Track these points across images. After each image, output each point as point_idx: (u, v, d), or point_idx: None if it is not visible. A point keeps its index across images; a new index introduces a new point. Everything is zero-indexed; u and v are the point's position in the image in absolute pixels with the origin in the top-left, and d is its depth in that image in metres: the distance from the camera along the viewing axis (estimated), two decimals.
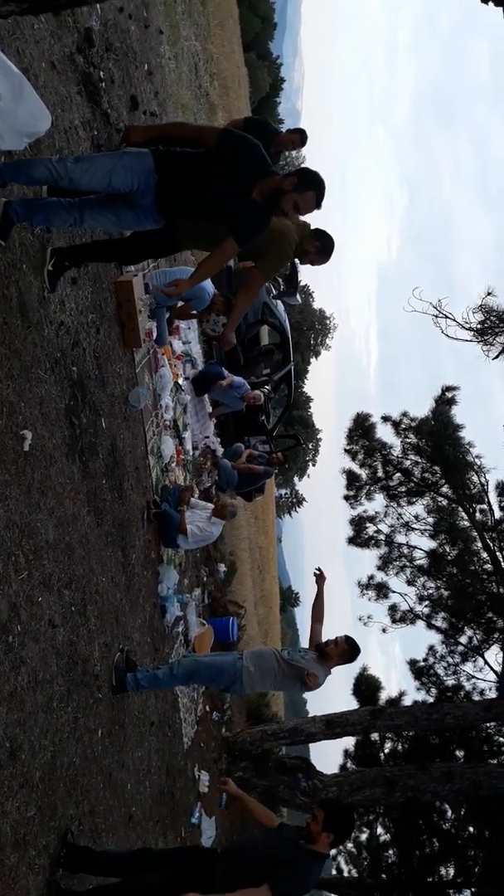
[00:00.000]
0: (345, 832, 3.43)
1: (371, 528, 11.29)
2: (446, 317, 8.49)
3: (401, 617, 10.84)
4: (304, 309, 51.15)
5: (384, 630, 11.00)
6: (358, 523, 11.35)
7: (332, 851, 13.21)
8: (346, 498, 11.33)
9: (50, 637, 3.26)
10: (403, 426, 10.80)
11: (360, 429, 11.11)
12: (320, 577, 5.13)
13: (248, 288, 4.19)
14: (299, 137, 5.89)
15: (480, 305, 8.27)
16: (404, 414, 10.86)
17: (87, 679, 3.75)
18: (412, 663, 10.57)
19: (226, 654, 5.04)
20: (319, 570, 5.17)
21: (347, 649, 4.76)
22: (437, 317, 8.51)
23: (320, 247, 4.37)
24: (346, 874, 12.72)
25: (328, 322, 57.53)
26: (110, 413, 4.72)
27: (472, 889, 9.89)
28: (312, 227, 4.53)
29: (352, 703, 11.01)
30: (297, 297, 12.89)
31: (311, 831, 3.33)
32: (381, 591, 11.02)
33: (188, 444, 7.95)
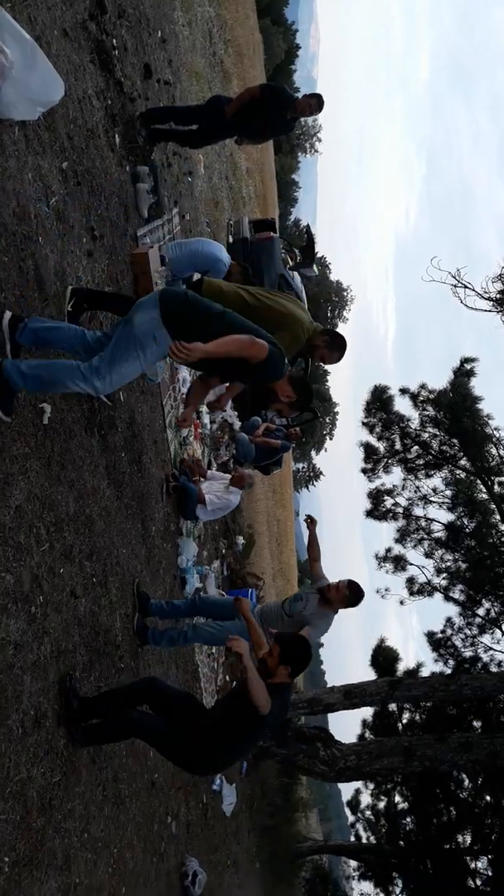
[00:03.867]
0: (301, 663, 3.44)
1: (389, 501, 11.30)
2: (465, 286, 8.40)
3: (418, 589, 10.88)
4: (321, 281, 50.66)
5: (402, 602, 11.06)
6: (376, 496, 11.36)
7: (351, 818, 13.47)
8: (364, 471, 11.32)
9: (72, 608, 3.30)
10: (421, 398, 10.74)
11: (378, 401, 11.06)
12: (311, 523, 5.06)
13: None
14: (316, 103, 5.80)
15: (500, 275, 8.16)
16: (422, 386, 10.80)
17: (109, 649, 3.80)
18: (430, 635, 10.62)
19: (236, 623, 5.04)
20: (309, 517, 5.12)
21: (349, 595, 4.67)
22: (455, 286, 8.42)
23: (330, 342, 4.57)
24: (364, 841, 12.96)
25: (345, 294, 57.01)
26: (128, 386, 4.72)
27: (489, 856, 10.02)
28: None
29: (370, 674, 11.12)
30: (314, 268, 12.76)
31: (268, 666, 3.38)
32: (399, 563, 11.05)
33: (206, 417, 7.95)
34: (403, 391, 10.90)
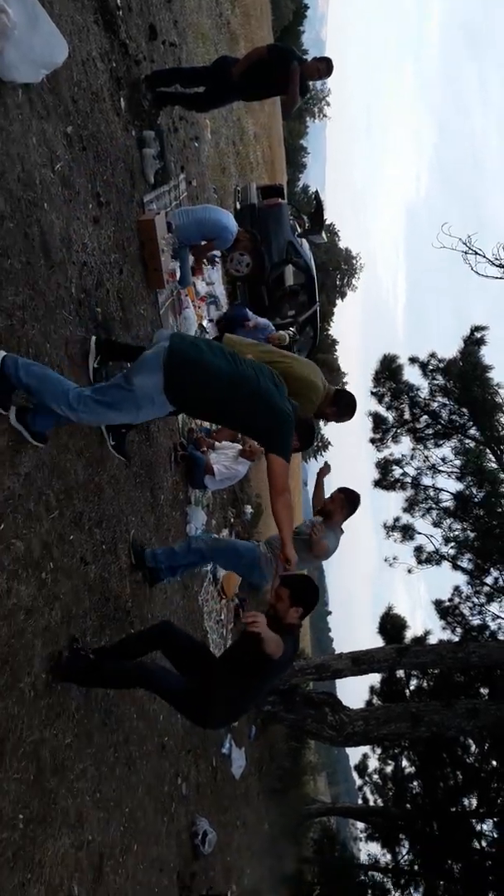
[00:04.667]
0: (311, 602, 3.43)
1: (397, 471, 11.27)
2: (476, 253, 8.26)
3: (426, 558, 10.91)
4: (330, 248, 50.07)
5: (409, 571, 11.09)
6: (384, 466, 11.34)
7: (359, 781, 13.70)
8: (373, 441, 11.29)
9: (82, 574, 3.34)
10: (431, 367, 10.66)
11: (387, 371, 10.99)
12: (324, 470, 5.01)
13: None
14: (325, 66, 5.69)
15: None
16: (432, 355, 10.70)
17: (119, 614, 3.85)
18: (437, 603, 10.68)
19: (245, 542, 5.05)
20: (326, 463, 5.09)
21: (344, 498, 4.68)
22: (466, 253, 8.29)
23: (339, 411, 4.80)
24: (371, 803, 13.21)
25: (355, 262, 56.32)
26: None
27: (495, 819, 10.20)
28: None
29: (377, 641, 11.21)
30: (323, 235, 12.63)
31: (278, 611, 3.37)
32: (407, 532, 11.06)
33: None
34: (413, 360, 10.82)
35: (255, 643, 3.09)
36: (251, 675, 3.31)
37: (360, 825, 13.47)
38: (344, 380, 57.24)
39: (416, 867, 11.04)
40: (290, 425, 3.24)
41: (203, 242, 6.29)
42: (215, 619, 7.06)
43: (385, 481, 11.32)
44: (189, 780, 5.28)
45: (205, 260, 6.93)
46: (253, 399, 3.11)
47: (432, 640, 10.63)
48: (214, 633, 6.95)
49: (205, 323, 7.55)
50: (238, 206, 11.40)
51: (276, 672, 3.42)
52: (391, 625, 11.49)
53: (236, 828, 7.18)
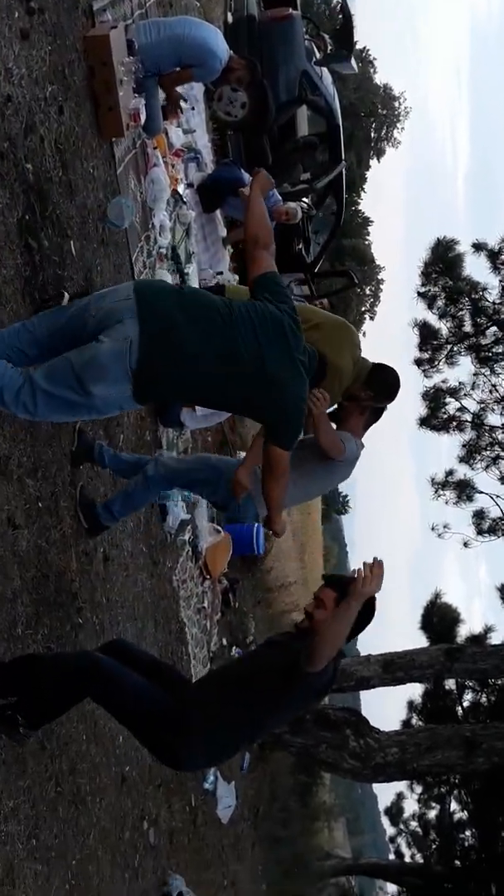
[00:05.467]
0: (364, 618, 3.43)
1: (453, 405, 11.31)
2: None
3: (490, 527, 11.03)
4: (362, 83, 49.05)
5: (466, 544, 11.25)
6: (434, 398, 11.37)
7: (390, 830, 14.12)
8: (419, 362, 11.29)
9: (10, 541, 3.37)
10: None
11: (441, 262, 10.91)
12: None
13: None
14: None
15: None
16: None
17: (63, 598, 3.91)
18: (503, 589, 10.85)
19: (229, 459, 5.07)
20: None
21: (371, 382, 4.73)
22: None
23: (375, 395, 4.74)
24: (407, 859, 13.65)
25: (397, 105, 55.33)
26: (82, 234, 4.66)
27: None
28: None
29: (419, 641, 11.40)
30: (353, 63, 12.36)
31: (316, 621, 3.38)
32: (464, 491, 11.17)
33: (194, 282, 7.88)
34: (478, 247, 10.72)
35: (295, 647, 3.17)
36: (272, 693, 3.33)
37: (392, 888, 13.95)
38: (379, 276, 56.96)
39: None
40: (300, 416, 3.51)
41: (178, 69, 6.15)
42: (195, 606, 7.18)
43: (435, 419, 11.36)
44: (159, 824, 5.44)
45: (181, 96, 6.78)
46: (257, 388, 3.32)
47: (495, 639, 10.83)
48: (194, 626, 7.07)
49: (181, 188, 7.45)
50: (230, 19, 11.12)
51: (304, 698, 3.45)
52: (439, 618, 11.68)
53: (222, 889, 7.43)
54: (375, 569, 3.17)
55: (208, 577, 7.66)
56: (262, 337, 3.25)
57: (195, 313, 3.19)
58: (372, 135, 53.68)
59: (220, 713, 3.39)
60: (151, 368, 3.08)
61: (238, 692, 3.41)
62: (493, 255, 10.63)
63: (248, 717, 3.45)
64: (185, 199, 7.59)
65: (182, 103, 7.17)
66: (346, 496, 66.23)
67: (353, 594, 3.15)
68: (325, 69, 11.16)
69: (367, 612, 3.39)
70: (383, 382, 4.76)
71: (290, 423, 3.47)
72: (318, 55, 11.32)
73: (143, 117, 5.73)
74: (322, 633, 3.15)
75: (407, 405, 11.30)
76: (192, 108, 8.47)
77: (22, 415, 3.17)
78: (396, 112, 55.18)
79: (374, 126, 53.52)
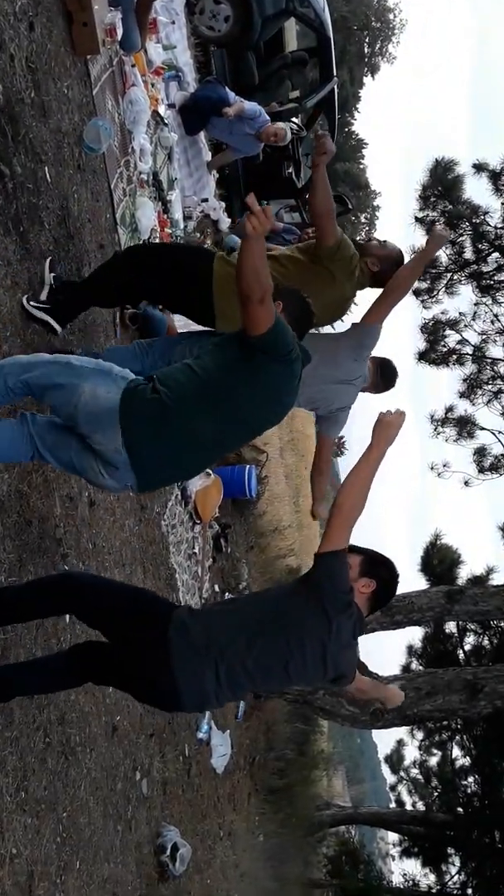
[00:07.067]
0: (388, 576, 3.48)
1: (452, 338, 11.27)
2: None
3: (492, 465, 11.07)
4: None
5: (467, 483, 11.28)
6: (433, 330, 11.32)
7: (391, 778, 14.37)
8: (417, 293, 11.21)
9: None
10: None
11: (440, 184, 10.78)
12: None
13: None
14: None
15: None
16: None
17: (47, 544, 3.94)
18: None
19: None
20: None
21: (377, 368, 5.00)
22: None
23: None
24: (408, 807, 13.90)
25: (392, 18, 54.41)
26: (57, 159, 4.62)
27: None
28: None
29: (419, 583, 11.48)
30: None
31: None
32: (465, 427, 11.18)
33: (177, 210, 7.80)
34: (479, 168, 10.58)
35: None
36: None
37: (393, 837, 14.19)
38: (375, 202, 56.42)
39: (469, 892, 11.68)
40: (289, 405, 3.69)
41: None
42: (185, 551, 7.23)
43: (434, 353, 11.33)
44: (151, 775, 5.55)
45: (156, 9, 6.65)
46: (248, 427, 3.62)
47: (497, 579, 10.92)
48: (185, 573, 7.13)
49: (162, 109, 7.34)
50: None
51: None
52: (439, 560, 11.74)
53: (219, 840, 7.60)
54: (396, 416, 3.31)
55: (199, 521, 7.70)
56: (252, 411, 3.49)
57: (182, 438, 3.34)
58: (365, 50, 52.83)
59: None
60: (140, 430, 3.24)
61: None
62: (494, 177, 10.50)
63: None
64: (166, 121, 7.50)
65: (160, 18, 7.05)
66: (342, 437, 66.23)
67: (376, 435, 3.29)
68: None
69: (387, 591, 3.48)
70: (389, 380, 5.10)
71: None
72: None
73: (119, 32, 5.63)
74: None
75: (405, 339, 11.30)
76: (173, 23, 8.31)
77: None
78: (391, 25, 54.30)
79: (367, 40, 52.63)
